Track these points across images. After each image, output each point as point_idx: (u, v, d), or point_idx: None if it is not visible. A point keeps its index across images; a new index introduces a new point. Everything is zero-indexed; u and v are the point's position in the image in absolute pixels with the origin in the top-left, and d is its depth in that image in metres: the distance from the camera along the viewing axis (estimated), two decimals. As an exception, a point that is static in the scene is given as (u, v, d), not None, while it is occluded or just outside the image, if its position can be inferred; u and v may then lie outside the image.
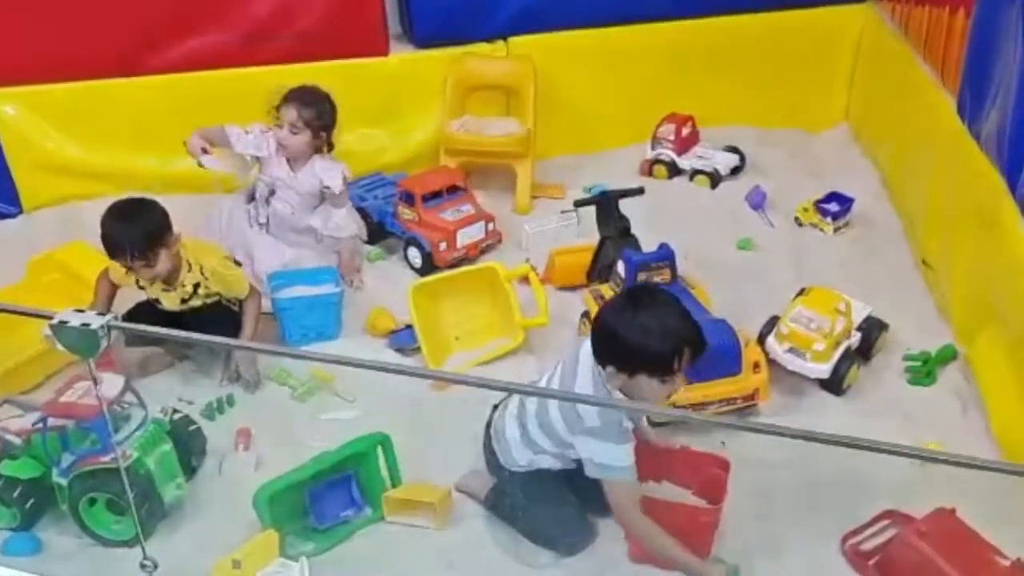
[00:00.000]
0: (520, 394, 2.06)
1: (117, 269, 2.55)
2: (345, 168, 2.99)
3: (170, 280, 2.54)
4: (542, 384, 2.05)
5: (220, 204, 3.14)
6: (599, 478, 1.97)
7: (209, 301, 2.62)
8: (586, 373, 1.95)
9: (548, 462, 2.08)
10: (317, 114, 2.90)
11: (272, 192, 2.99)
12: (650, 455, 2.11)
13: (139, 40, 3.32)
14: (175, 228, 2.50)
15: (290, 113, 2.88)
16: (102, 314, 1.36)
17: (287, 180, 2.96)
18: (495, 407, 2.21)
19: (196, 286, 2.56)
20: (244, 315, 2.61)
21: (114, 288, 2.62)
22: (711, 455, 2.17)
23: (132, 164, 3.45)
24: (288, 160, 2.97)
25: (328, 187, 2.95)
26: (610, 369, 1.89)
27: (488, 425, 2.19)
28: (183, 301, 2.58)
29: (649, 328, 1.83)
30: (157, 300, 2.59)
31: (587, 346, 1.98)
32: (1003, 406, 2.35)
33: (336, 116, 2.95)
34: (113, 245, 2.43)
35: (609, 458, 1.93)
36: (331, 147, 2.98)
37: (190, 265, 2.55)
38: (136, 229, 2.41)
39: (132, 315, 2.57)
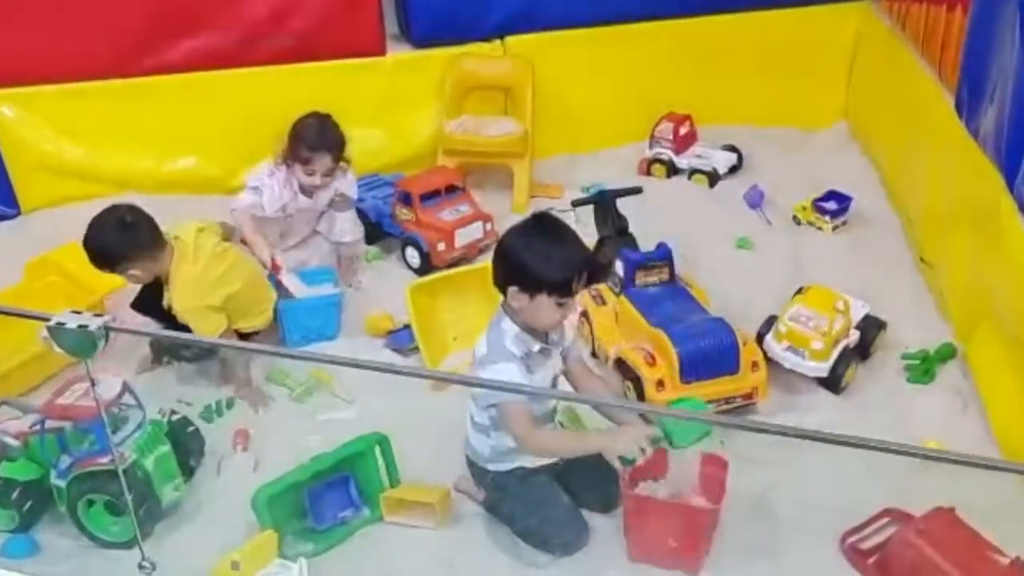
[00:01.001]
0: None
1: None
2: (352, 171, 2.98)
3: (167, 280, 2.49)
4: (478, 350, 2.05)
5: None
6: (495, 404, 2.01)
7: None
8: (500, 318, 2.03)
9: (507, 443, 2.07)
10: (342, 147, 2.81)
11: (291, 217, 2.92)
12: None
13: (136, 41, 3.32)
14: (164, 242, 2.43)
15: (325, 163, 2.77)
16: (99, 314, 1.35)
17: (308, 205, 2.90)
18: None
19: (170, 308, 2.47)
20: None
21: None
22: (709, 454, 2.17)
23: (129, 165, 3.45)
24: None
25: (343, 194, 2.92)
26: (513, 289, 1.98)
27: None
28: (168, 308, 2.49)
29: (551, 253, 1.95)
30: None
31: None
32: (1002, 404, 2.35)
33: (345, 136, 2.84)
34: (91, 253, 2.42)
35: (496, 379, 1.96)
36: (348, 162, 2.89)
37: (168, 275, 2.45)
38: (92, 244, 2.40)
39: (143, 296, 2.56)
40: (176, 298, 2.44)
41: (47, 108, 3.37)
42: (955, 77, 2.82)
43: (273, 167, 2.82)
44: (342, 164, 2.86)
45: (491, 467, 2.12)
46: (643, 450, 1.93)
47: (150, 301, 2.56)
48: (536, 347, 2.03)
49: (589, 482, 2.03)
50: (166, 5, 3.30)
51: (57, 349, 1.37)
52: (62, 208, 3.39)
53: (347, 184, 2.93)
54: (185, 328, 2.46)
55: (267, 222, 2.85)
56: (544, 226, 2.01)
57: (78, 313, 1.37)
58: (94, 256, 2.43)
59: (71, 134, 3.41)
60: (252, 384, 2.58)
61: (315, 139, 2.76)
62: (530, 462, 2.10)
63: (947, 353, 2.62)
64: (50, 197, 3.43)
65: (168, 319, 2.51)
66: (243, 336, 2.61)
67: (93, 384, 1.80)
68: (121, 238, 2.40)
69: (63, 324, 1.35)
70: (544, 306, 1.97)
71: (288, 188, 2.82)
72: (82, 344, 1.36)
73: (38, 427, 2.12)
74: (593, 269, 2.03)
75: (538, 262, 1.94)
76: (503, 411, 2.01)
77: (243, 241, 2.79)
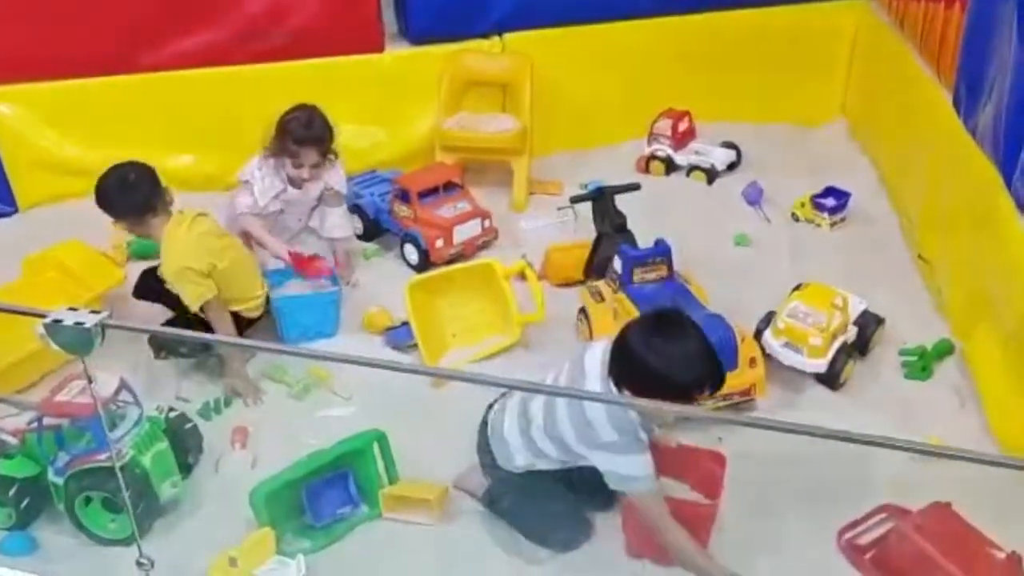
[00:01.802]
0: (518, 390, 2.05)
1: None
2: (341, 165, 2.98)
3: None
4: (598, 432, 1.94)
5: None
6: (623, 491, 1.95)
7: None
8: (594, 383, 1.93)
9: (546, 464, 2.07)
10: (329, 141, 2.84)
11: (282, 211, 2.94)
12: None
13: (134, 38, 3.32)
14: (169, 204, 2.54)
15: (311, 157, 2.80)
16: (96, 311, 1.35)
17: (299, 198, 2.92)
18: (490, 406, 2.19)
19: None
20: (213, 324, 2.53)
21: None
22: (707, 451, 2.17)
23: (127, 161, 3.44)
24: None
25: (331, 188, 2.93)
26: (626, 392, 1.87)
27: (484, 424, 2.18)
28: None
29: (674, 360, 1.80)
30: None
31: (593, 353, 1.96)
32: (999, 400, 2.35)
33: (333, 127, 2.87)
34: (104, 203, 2.54)
35: (630, 470, 1.91)
36: (336, 153, 2.91)
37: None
38: (104, 193, 2.53)
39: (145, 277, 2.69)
40: (164, 262, 2.51)
41: (44, 105, 3.37)
42: (953, 74, 2.82)
43: (261, 160, 2.85)
44: (330, 156, 2.87)
45: (507, 467, 2.11)
46: None
47: (153, 287, 2.59)
48: (643, 434, 1.93)
49: (590, 479, 2.03)
50: (164, 2, 3.29)
51: (53, 346, 1.36)
52: (59, 205, 3.39)
53: (337, 178, 2.94)
54: (185, 320, 2.48)
55: (265, 219, 2.86)
56: (665, 325, 1.85)
57: (75, 310, 1.36)
58: (95, 198, 2.55)
59: (68, 131, 3.41)
60: (245, 376, 2.58)
61: (302, 133, 2.78)
62: (545, 464, 2.07)
63: (945, 349, 2.62)
64: (47, 194, 3.42)
65: (169, 303, 2.56)
66: (240, 323, 2.62)
67: (90, 381, 1.80)
68: (116, 195, 2.52)
69: (59, 321, 1.34)
70: (656, 413, 1.85)
71: (277, 179, 2.85)
72: (79, 341, 1.35)
73: (35, 424, 2.12)
74: (718, 379, 1.87)
75: (661, 369, 1.78)
76: (640, 499, 1.92)
77: (248, 244, 2.82)
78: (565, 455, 2.00)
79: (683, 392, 1.82)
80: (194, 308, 2.49)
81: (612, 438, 1.89)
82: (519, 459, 2.08)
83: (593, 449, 1.93)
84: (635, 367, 1.84)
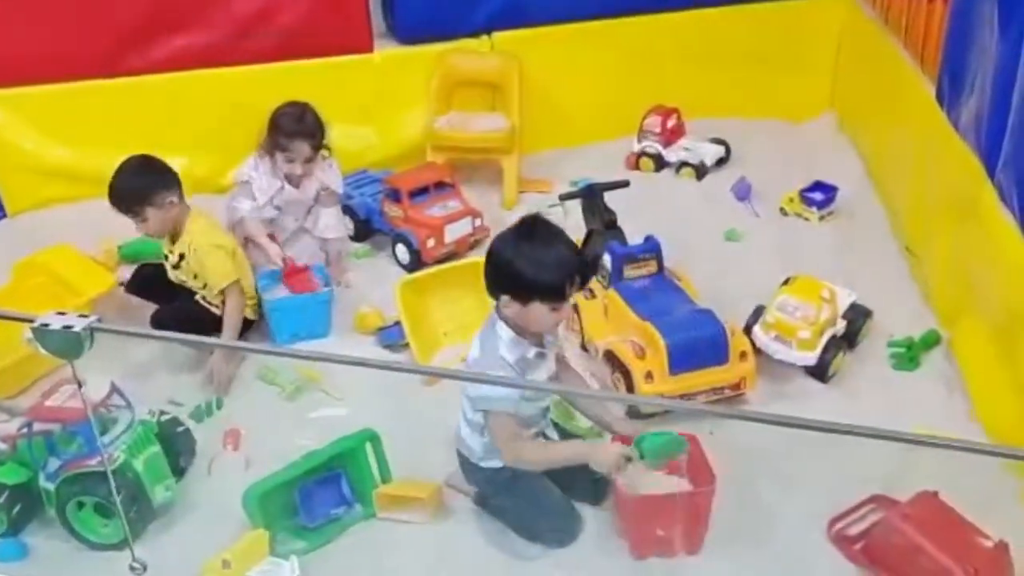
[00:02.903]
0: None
1: None
2: (337, 165, 2.98)
3: (173, 239, 2.63)
4: (471, 353, 2.06)
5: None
6: (484, 411, 2.01)
7: (194, 286, 2.63)
8: (494, 322, 2.02)
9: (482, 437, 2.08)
10: (320, 136, 2.86)
11: (279, 210, 2.95)
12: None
13: (121, 40, 3.31)
14: (182, 197, 2.59)
15: (303, 150, 2.82)
16: (84, 315, 1.35)
17: (297, 197, 2.93)
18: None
19: (181, 257, 2.61)
20: (225, 315, 2.62)
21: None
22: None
23: (116, 166, 3.42)
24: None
25: (329, 189, 2.94)
26: (504, 298, 1.97)
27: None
28: (173, 267, 2.65)
29: (543, 259, 1.93)
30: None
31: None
32: (985, 388, 2.37)
33: (324, 124, 2.89)
34: (110, 193, 2.55)
35: (486, 387, 1.97)
36: (329, 149, 2.94)
37: (185, 236, 2.60)
38: (123, 183, 2.54)
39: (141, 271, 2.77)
40: (196, 234, 2.58)
41: (32, 109, 3.36)
42: (936, 68, 2.84)
43: (256, 160, 2.86)
44: (323, 152, 2.88)
45: (483, 464, 2.12)
46: (621, 465, 1.93)
47: (148, 283, 2.61)
48: (531, 352, 2.02)
49: (579, 474, 2.04)
50: (152, 4, 3.29)
51: (42, 351, 1.36)
52: (48, 210, 3.38)
53: (332, 177, 2.94)
54: (189, 316, 2.58)
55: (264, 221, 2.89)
56: (533, 231, 1.99)
57: (63, 314, 1.36)
58: (123, 192, 2.55)
59: (57, 135, 3.40)
60: (228, 370, 2.59)
61: (292, 126, 2.80)
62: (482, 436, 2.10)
63: (932, 340, 2.64)
64: (36, 199, 3.41)
65: (162, 299, 2.62)
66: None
67: (80, 385, 1.80)
68: (159, 177, 2.56)
69: (47, 325, 1.34)
70: (538, 312, 1.96)
71: (275, 178, 2.86)
72: (68, 345, 1.35)
73: (26, 430, 2.12)
74: (585, 271, 2.02)
75: (529, 269, 1.92)
76: (489, 419, 2.01)
77: (245, 246, 2.84)
78: (476, 410, 2.04)
79: (555, 291, 1.93)
80: (223, 285, 2.58)
81: (476, 356, 2.01)
82: (474, 444, 2.10)
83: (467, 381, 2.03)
84: (507, 273, 1.95)
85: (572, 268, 1.95)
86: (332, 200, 2.98)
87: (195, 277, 2.65)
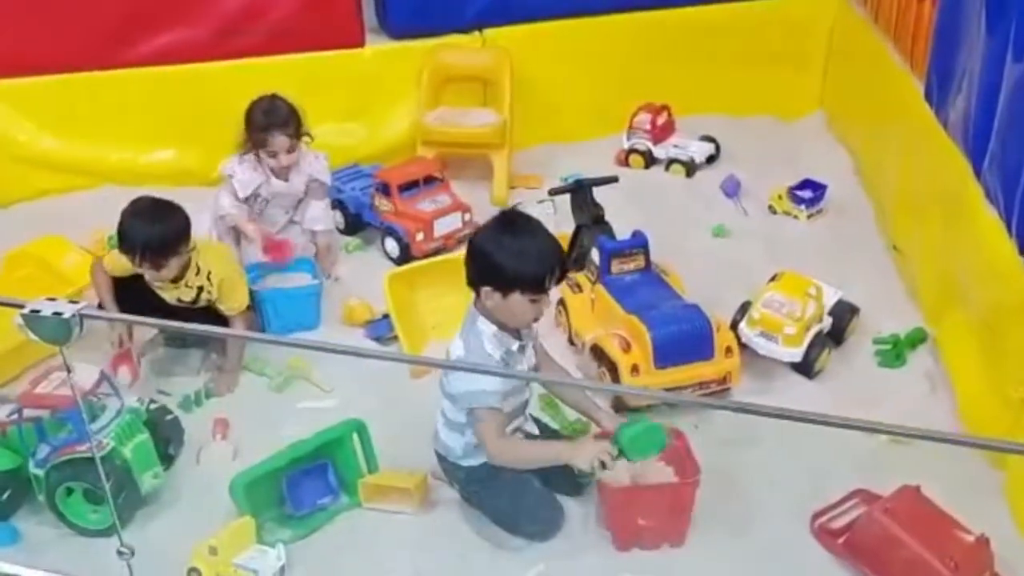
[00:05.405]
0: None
1: (114, 260, 2.52)
2: (326, 157, 2.99)
3: (175, 280, 2.52)
4: (453, 348, 2.07)
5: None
6: (469, 408, 2.02)
7: (199, 303, 2.60)
8: (475, 318, 2.03)
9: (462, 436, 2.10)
10: (296, 124, 2.85)
11: (267, 202, 2.95)
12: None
13: (113, 34, 3.31)
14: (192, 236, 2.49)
15: (280, 141, 2.80)
16: (74, 302, 1.36)
17: (285, 190, 2.92)
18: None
19: (200, 290, 2.54)
20: (232, 341, 2.60)
21: (111, 278, 2.56)
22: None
23: (107, 157, 3.44)
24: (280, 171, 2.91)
25: (317, 179, 2.94)
26: (486, 289, 1.98)
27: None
28: (180, 300, 2.55)
29: (522, 250, 1.95)
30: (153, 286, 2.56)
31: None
32: (969, 385, 2.39)
33: (298, 110, 2.87)
34: (127, 241, 2.40)
35: (472, 384, 1.98)
36: (310, 136, 2.93)
37: (199, 268, 2.52)
38: (155, 233, 2.37)
39: (119, 289, 2.57)
40: (214, 265, 2.53)
41: (24, 101, 3.36)
42: (925, 67, 2.86)
43: (240, 155, 2.87)
44: (305, 139, 2.88)
45: (463, 463, 2.13)
46: (603, 464, 1.94)
47: (134, 298, 2.56)
48: (514, 346, 2.04)
49: (559, 467, 2.05)
50: (143, -2, 3.30)
51: (32, 337, 1.37)
52: (40, 201, 3.38)
53: (320, 168, 2.95)
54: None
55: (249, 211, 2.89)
56: (513, 223, 2.01)
57: (52, 300, 1.37)
58: (155, 243, 2.38)
59: (48, 127, 3.40)
60: (234, 369, 2.59)
61: (264, 119, 2.80)
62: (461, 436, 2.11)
63: (918, 338, 2.66)
64: (28, 190, 3.41)
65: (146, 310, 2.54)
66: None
67: (69, 371, 1.81)
68: (185, 224, 2.44)
69: (37, 311, 1.35)
70: (518, 304, 1.97)
71: (256, 172, 2.86)
72: (57, 331, 1.36)
73: (15, 416, 2.13)
74: (565, 264, 2.04)
75: (510, 261, 1.94)
76: (475, 416, 2.02)
77: (236, 241, 2.84)
78: (460, 410, 2.05)
79: (535, 283, 1.96)
80: (243, 308, 2.58)
81: (460, 354, 2.01)
82: (452, 443, 2.11)
83: (447, 373, 2.04)
84: (488, 265, 1.97)
85: (552, 260, 1.98)
86: (321, 192, 2.99)
87: (208, 301, 2.57)
